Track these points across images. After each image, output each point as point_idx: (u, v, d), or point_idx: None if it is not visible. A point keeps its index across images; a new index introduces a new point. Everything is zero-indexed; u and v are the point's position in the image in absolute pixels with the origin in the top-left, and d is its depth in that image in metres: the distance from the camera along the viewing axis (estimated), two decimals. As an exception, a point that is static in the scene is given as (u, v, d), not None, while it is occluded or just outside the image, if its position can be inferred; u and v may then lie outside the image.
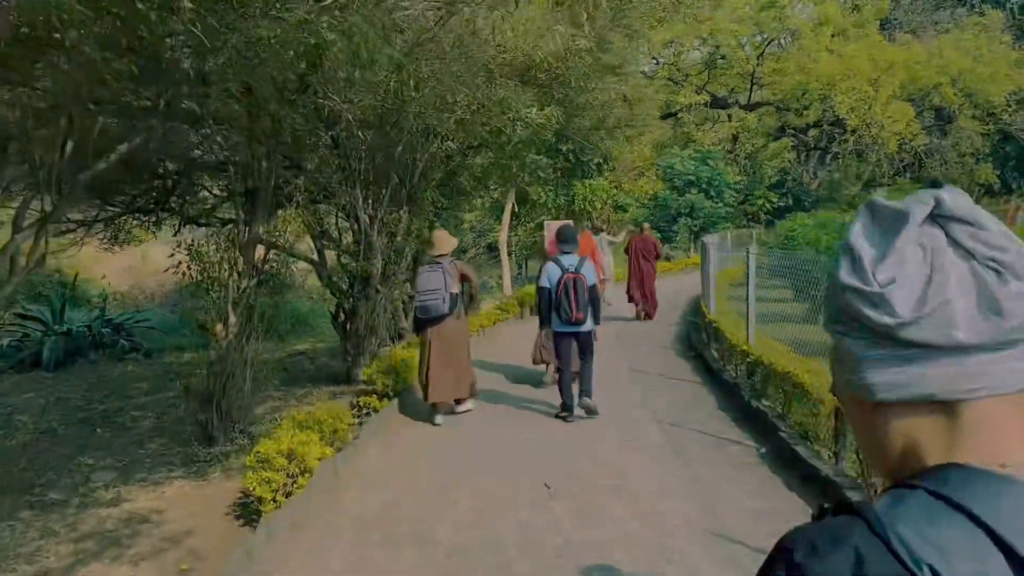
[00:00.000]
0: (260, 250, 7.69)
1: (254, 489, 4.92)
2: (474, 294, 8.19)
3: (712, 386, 8.30)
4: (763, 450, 5.94)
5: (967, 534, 0.67)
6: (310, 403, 9.08)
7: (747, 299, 7.79)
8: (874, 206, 0.80)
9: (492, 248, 27.06)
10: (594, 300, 7.04)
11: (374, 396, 7.72)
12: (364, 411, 7.63)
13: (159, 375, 11.19)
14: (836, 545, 0.70)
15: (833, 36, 31.97)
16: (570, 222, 21.51)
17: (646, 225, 16.04)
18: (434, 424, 7.43)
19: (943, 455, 0.75)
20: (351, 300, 9.34)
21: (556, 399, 7.48)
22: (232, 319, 7.15)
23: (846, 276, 0.78)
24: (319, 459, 5.59)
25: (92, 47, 3.66)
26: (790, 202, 36.02)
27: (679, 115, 34.75)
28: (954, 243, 0.75)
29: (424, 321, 7.53)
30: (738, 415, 7.01)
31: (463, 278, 7.71)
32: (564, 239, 7.30)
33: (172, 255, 7.53)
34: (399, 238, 9.82)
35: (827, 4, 32.45)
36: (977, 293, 0.73)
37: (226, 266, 7.18)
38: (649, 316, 13.99)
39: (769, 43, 34.98)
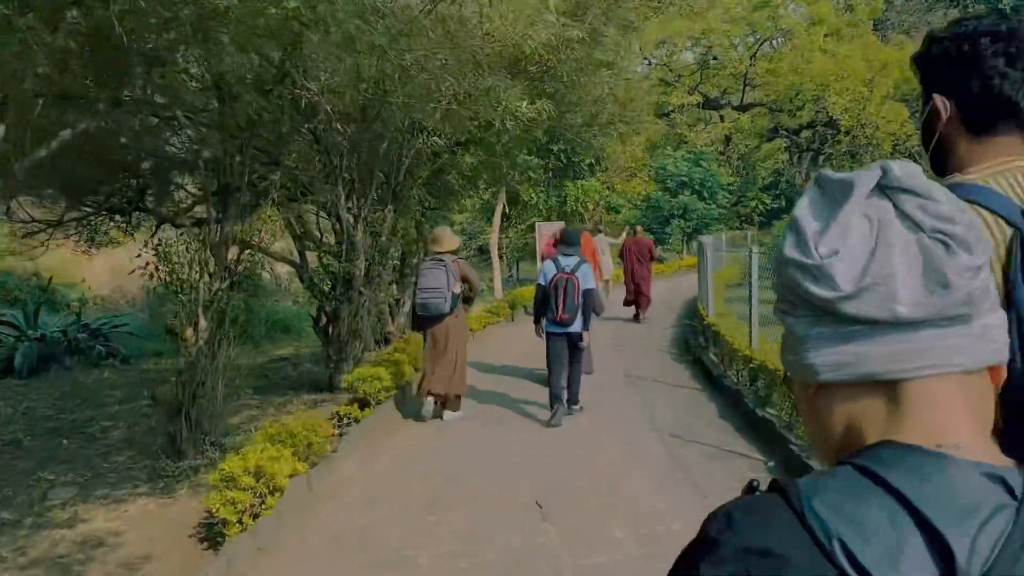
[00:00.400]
0: (235, 251, 7.25)
1: (217, 510, 4.48)
2: (472, 296, 7.97)
3: (712, 392, 7.89)
4: (771, 463, 5.52)
5: (887, 511, 0.64)
6: (289, 412, 8.63)
7: (750, 301, 7.38)
8: (822, 179, 0.77)
9: (483, 250, 26.63)
10: (586, 305, 6.93)
11: (356, 405, 7.28)
12: (345, 421, 7.18)
13: (135, 382, 10.71)
14: (751, 518, 0.69)
15: (826, 36, 31.68)
16: (563, 224, 21.19)
17: (639, 228, 15.91)
18: (419, 418, 7.37)
19: (882, 435, 0.72)
20: (333, 303, 8.89)
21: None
22: (203, 323, 6.70)
23: (789, 250, 0.75)
24: (291, 476, 5.15)
25: (25, 20, 3.23)
26: (783, 204, 35.75)
27: (671, 116, 34.42)
28: (902, 215, 0.72)
29: (424, 319, 7.40)
30: (742, 424, 6.59)
31: (464, 279, 7.54)
32: (565, 241, 7.26)
33: (139, 255, 7.08)
34: (384, 238, 9.39)
35: (820, 4, 32.16)
36: (923, 266, 0.70)
37: (196, 267, 6.73)
38: (641, 312, 13.93)
39: (762, 43, 34.68)
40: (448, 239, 7.66)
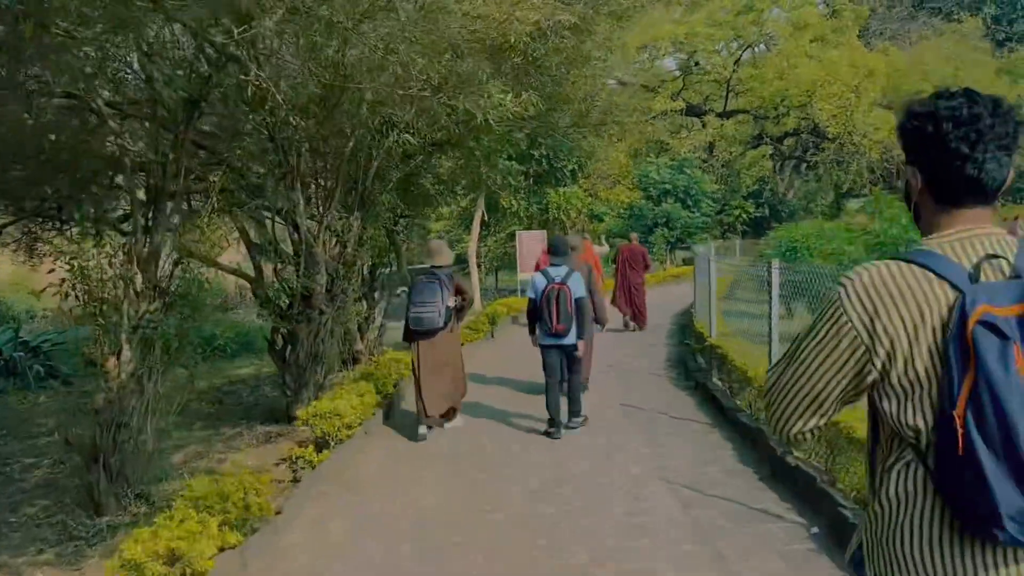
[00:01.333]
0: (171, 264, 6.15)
1: (113, 613, 3.40)
2: (464, 309, 7.61)
3: (726, 430, 6.88)
4: (815, 529, 4.52)
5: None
6: (237, 448, 7.53)
7: (769, 324, 6.39)
8: None
9: (461, 260, 25.59)
10: (579, 313, 6.86)
11: (311, 447, 6.20)
12: (298, 466, 6.11)
13: (73, 408, 9.54)
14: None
15: (812, 42, 30.98)
16: (545, 232, 20.21)
17: (634, 235, 15.40)
18: (417, 439, 7.09)
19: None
20: (290, 322, 7.80)
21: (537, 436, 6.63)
22: (127, 352, 5.60)
23: None
24: (220, 550, 4.07)
25: None
26: (767, 212, 34.97)
27: (654, 122, 33.59)
28: None
29: (416, 333, 7.17)
30: (767, 473, 5.58)
31: (458, 291, 7.38)
32: (554, 251, 7.23)
33: (52, 271, 5.97)
34: (349, 249, 8.32)
35: (805, 9, 31.49)
36: None
37: (120, 285, 5.63)
38: (640, 327, 13.75)
39: (746, 49, 33.98)
40: (443, 252, 7.49)
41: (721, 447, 6.34)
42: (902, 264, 1.45)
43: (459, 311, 7.44)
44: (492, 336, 13.86)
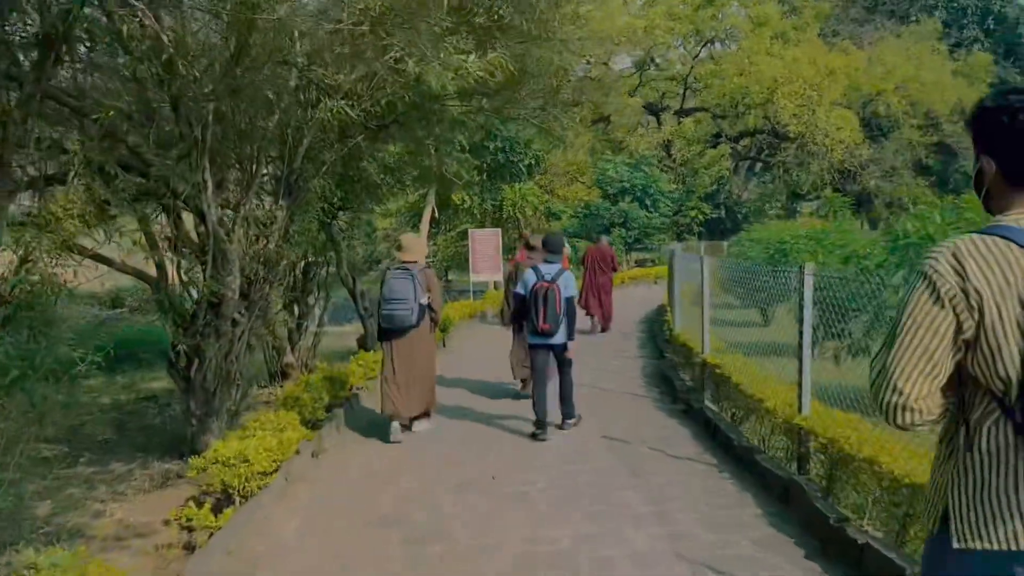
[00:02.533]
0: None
1: None
2: (436, 311, 7.20)
3: (738, 474, 5.51)
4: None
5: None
6: (124, 494, 5.95)
7: (801, 341, 5.06)
8: None
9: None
10: (569, 314, 6.69)
11: (208, 504, 4.68)
12: (193, 526, 4.58)
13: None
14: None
15: (772, 39, 30.20)
16: (498, 231, 18.90)
17: (604, 237, 15.32)
18: (390, 441, 6.75)
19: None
20: (194, 336, 6.23)
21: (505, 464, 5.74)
22: (-59, 383, 4.01)
23: None
24: None
25: None
26: (723, 214, 34.14)
27: (611, 119, 32.46)
28: None
29: (388, 331, 6.91)
30: (815, 546, 4.21)
31: (429, 289, 7.03)
32: (548, 248, 7.04)
33: None
34: (272, 245, 6.79)
35: (766, 4, 30.69)
36: None
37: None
38: (604, 329, 13.61)
39: (704, 45, 33.09)
40: (416, 247, 7.23)
41: (741, 502, 4.96)
42: (985, 237, 1.62)
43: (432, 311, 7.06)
44: (444, 345, 12.38)
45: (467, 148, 17.69)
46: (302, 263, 9.99)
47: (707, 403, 7.18)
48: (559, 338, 6.66)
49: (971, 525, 1.59)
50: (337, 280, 11.38)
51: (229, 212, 6.54)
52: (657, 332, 12.51)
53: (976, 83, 31.85)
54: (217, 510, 4.70)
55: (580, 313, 11.90)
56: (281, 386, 9.78)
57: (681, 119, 33.34)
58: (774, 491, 4.96)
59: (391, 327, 6.82)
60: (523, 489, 5.47)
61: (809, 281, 5.01)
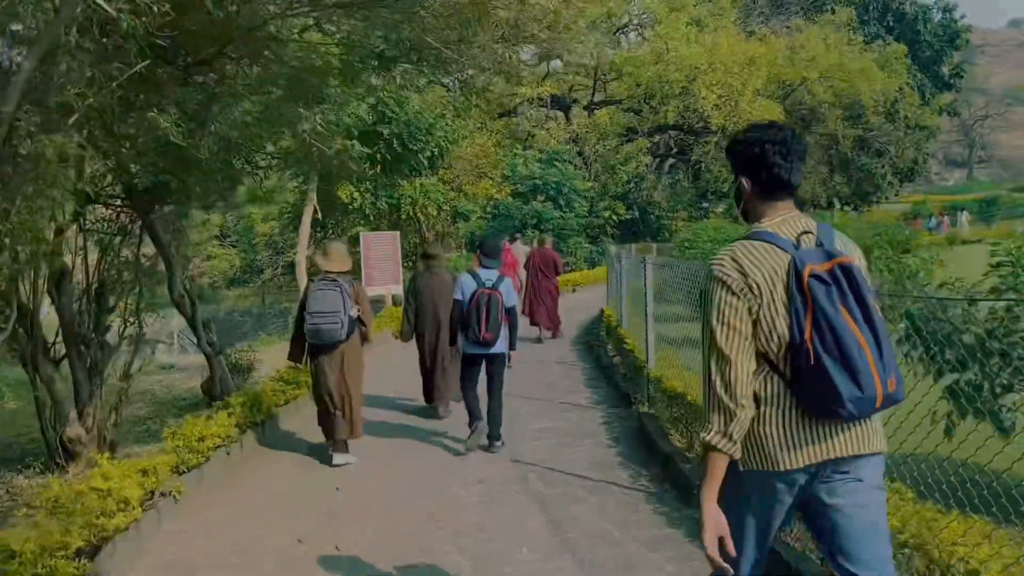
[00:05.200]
0: None
1: None
2: (366, 325, 6.56)
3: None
4: None
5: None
6: None
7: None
8: None
9: (292, 268, 20.44)
10: (511, 323, 6.40)
11: None
12: None
13: None
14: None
15: (688, 25, 28.13)
16: (397, 233, 15.98)
17: (547, 239, 13.95)
18: (332, 465, 6.29)
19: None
20: None
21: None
22: None
23: None
24: None
25: None
26: (636, 214, 31.92)
27: (518, 111, 29.77)
28: None
29: (316, 347, 6.38)
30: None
31: (357, 301, 6.49)
32: (486, 253, 6.53)
33: None
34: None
35: (680, -11, 28.64)
36: None
37: None
38: (555, 334, 12.89)
39: (618, 31, 30.81)
40: (340, 257, 6.53)
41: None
42: (752, 241, 2.17)
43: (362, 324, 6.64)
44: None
45: (354, 135, 14.51)
46: (95, 283, 6.64)
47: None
48: (499, 347, 6.31)
49: (748, 456, 2.17)
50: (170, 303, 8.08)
51: None
52: (590, 340, 11.57)
53: (894, 76, 30.76)
54: None
55: (524, 322, 10.55)
56: (66, 471, 6.46)
57: (591, 113, 30.96)
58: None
59: (319, 342, 6.35)
60: None
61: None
